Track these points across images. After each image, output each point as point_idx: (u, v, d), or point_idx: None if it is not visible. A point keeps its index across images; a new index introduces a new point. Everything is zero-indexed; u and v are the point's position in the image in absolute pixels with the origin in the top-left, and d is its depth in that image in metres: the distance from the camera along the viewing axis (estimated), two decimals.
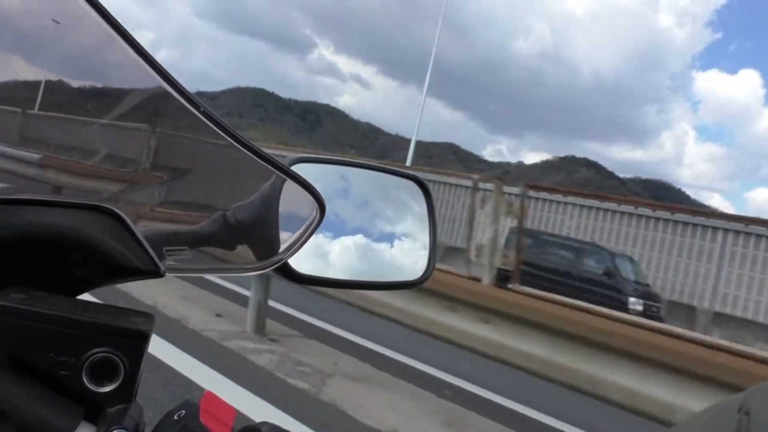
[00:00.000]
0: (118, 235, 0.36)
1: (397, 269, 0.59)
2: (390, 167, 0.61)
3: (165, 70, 0.37)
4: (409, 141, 18.36)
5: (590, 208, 14.27)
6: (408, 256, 0.59)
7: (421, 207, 0.61)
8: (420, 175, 0.62)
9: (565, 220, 14.53)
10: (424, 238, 0.60)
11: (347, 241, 0.55)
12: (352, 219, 0.57)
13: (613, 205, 14.18)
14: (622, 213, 13.69)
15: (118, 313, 0.36)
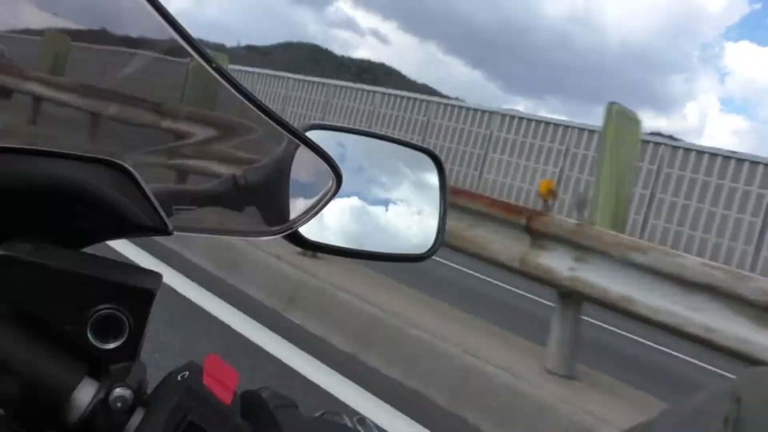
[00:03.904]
0: (126, 191, 0.36)
1: (407, 242, 0.59)
2: (404, 140, 0.61)
3: (177, 22, 0.35)
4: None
5: None
6: (418, 229, 0.59)
7: (433, 180, 0.60)
8: None
9: None
10: (435, 213, 0.59)
11: (357, 210, 0.55)
12: (364, 189, 0.56)
13: None
14: None
15: (126, 270, 0.35)
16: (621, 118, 4.22)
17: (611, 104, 4.22)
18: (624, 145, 4.27)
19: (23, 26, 0.34)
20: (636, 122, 4.55)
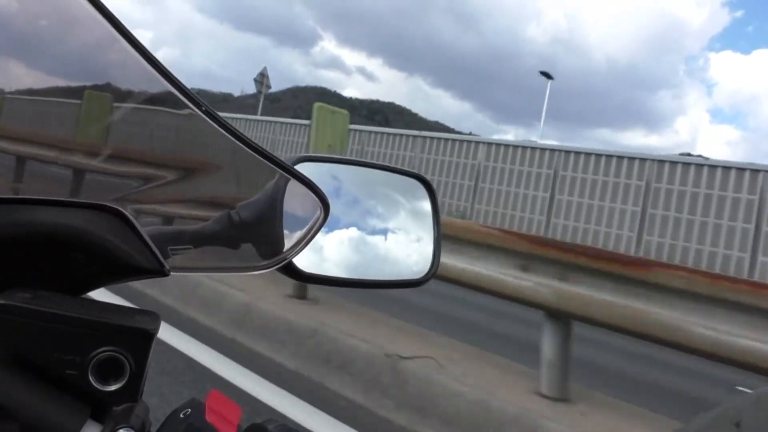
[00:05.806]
0: (122, 235, 0.37)
1: (402, 267, 0.59)
2: (394, 167, 0.61)
3: (167, 69, 0.37)
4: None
5: None
6: (412, 254, 0.59)
7: (425, 205, 0.61)
8: None
9: None
10: (428, 237, 0.59)
11: (351, 239, 0.55)
12: (355, 217, 0.57)
13: None
14: None
15: (124, 312, 0.36)
16: (324, 112, 7.33)
17: (315, 104, 7.44)
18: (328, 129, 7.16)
19: (15, 80, 0.36)
20: (341, 114, 7.63)
